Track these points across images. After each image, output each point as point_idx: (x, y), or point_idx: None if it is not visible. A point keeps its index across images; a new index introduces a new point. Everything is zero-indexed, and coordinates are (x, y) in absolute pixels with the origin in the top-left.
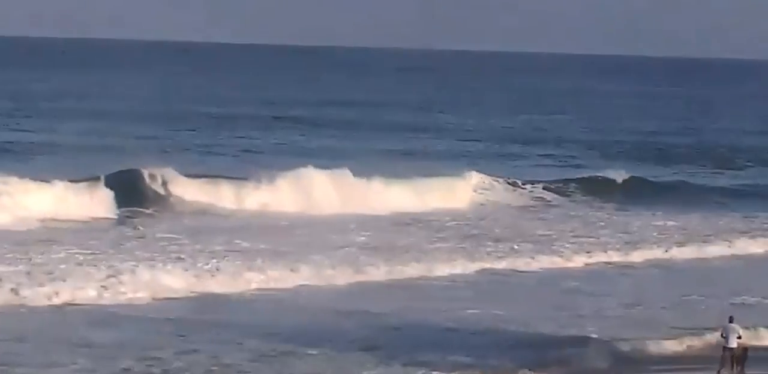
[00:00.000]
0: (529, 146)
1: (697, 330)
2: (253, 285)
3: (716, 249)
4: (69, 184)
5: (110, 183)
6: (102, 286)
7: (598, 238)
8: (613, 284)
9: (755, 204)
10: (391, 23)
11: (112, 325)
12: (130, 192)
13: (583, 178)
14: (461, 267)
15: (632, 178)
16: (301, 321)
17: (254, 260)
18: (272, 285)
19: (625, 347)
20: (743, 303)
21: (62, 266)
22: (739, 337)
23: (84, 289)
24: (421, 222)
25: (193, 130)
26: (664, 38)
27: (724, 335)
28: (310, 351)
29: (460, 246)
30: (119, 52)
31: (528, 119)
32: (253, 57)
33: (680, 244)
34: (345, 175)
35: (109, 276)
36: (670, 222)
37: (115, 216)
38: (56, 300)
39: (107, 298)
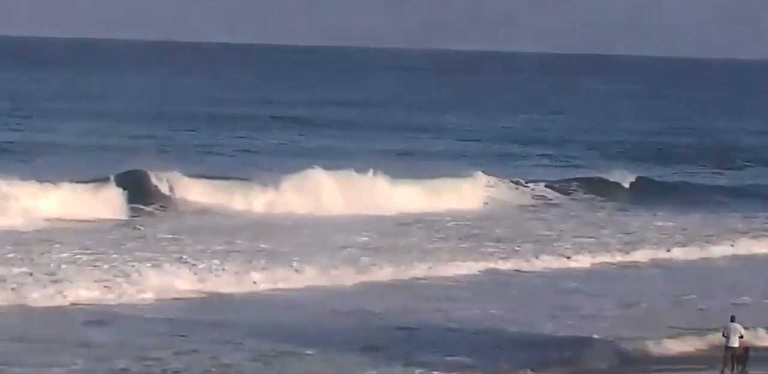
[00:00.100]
0: (529, 146)
1: (699, 330)
2: (253, 286)
3: (717, 250)
4: (75, 184)
5: (117, 184)
6: (105, 287)
7: (600, 238)
8: (614, 284)
9: (755, 204)
10: (391, 23)
11: (112, 325)
12: (136, 193)
13: (587, 179)
14: (465, 267)
15: (636, 178)
16: (301, 321)
17: (255, 261)
18: (272, 285)
19: (626, 347)
20: (744, 304)
21: (64, 266)
22: (741, 337)
23: (85, 290)
24: (425, 222)
25: (193, 131)
26: (664, 38)
27: (725, 334)
28: (309, 352)
29: (462, 246)
30: (119, 52)
31: (528, 119)
32: (253, 57)
33: (681, 244)
34: (351, 176)
35: (110, 277)
36: (671, 223)
37: (120, 217)
38: (57, 301)
39: (108, 298)
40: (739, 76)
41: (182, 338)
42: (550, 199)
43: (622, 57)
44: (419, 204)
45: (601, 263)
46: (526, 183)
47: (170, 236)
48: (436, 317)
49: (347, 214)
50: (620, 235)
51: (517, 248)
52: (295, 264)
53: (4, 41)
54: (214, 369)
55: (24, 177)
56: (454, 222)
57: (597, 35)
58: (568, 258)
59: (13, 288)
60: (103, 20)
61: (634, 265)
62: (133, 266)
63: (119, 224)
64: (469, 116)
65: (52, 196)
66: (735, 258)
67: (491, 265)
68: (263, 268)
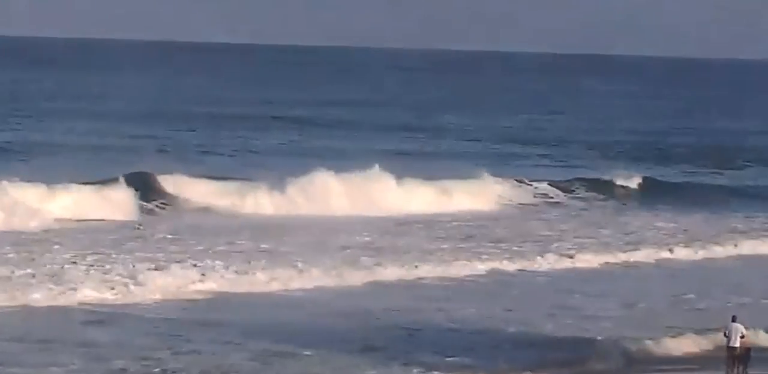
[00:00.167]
0: (529, 146)
1: (700, 331)
2: (254, 286)
3: (718, 250)
4: (84, 186)
5: (126, 185)
6: (110, 287)
7: (602, 238)
8: (615, 284)
9: (756, 204)
10: (391, 23)
11: (112, 325)
12: (143, 194)
13: (588, 179)
14: (468, 267)
15: (637, 178)
16: (301, 321)
17: (256, 261)
18: (273, 286)
19: (628, 347)
20: (745, 304)
21: (67, 266)
22: (743, 337)
23: (88, 290)
24: (433, 223)
25: (193, 130)
26: (664, 38)
27: (727, 335)
28: (308, 352)
29: (460, 246)
30: (119, 52)
31: (528, 119)
32: (253, 57)
33: (682, 244)
34: (358, 177)
35: (114, 277)
36: (672, 223)
37: (130, 219)
38: (59, 301)
39: (110, 299)
40: (739, 76)
41: (182, 338)
42: (554, 199)
43: (622, 57)
44: (429, 206)
45: (602, 263)
46: (530, 182)
47: (174, 237)
48: (437, 317)
49: (354, 215)
50: (621, 235)
51: (519, 248)
52: (296, 264)
53: (4, 41)
54: (212, 370)
55: (29, 178)
56: (457, 223)
57: (597, 35)
58: (571, 257)
59: (14, 288)
60: (103, 20)
61: (635, 265)
62: (134, 266)
63: (126, 225)
64: (469, 116)
65: (62, 198)
66: (736, 258)
67: (494, 265)
68: (264, 268)
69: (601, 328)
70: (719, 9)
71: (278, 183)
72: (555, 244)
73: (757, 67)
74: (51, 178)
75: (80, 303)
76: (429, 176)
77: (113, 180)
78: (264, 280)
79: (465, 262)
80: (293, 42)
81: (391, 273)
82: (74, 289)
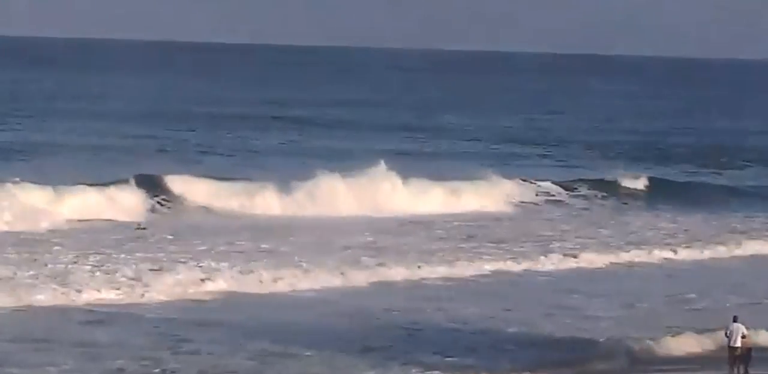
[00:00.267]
0: (529, 146)
1: (702, 330)
2: (254, 287)
3: (718, 250)
4: (89, 187)
5: (130, 186)
6: (111, 288)
7: (603, 239)
8: (616, 284)
9: (756, 204)
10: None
11: (112, 325)
12: (149, 195)
13: (589, 179)
14: (470, 267)
15: (638, 178)
16: (301, 321)
17: (257, 261)
18: (274, 286)
19: (629, 347)
20: (746, 304)
21: (70, 267)
22: (744, 337)
23: (89, 290)
24: (432, 223)
25: (193, 131)
26: (664, 38)
27: (728, 335)
28: (308, 352)
29: (461, 246)
30: (119, 52)
31: (528, 119)
32: (253, 57)
33: (683, 244)
34: (364, 178)
35: (116, 278)
36: (673, 223)
37: (131, 220)
38: (60, 301)
39: (112, 299)
40: (739, 76)
41: (182, 338)
42: (559, 199)
43: (622, 57)
44: (435, 206)
45: (604, 263)
46: (534, 181)
47: (177, 237)
48: (437, 317)
49: (360, 216)
50: (623, 235)
51: (522, 248)
52: (298, 264)
53: (4, 41)
54: (211, 370)
55: (33, 179)
56: (460, 223)
57: (597, 35)
58: (574, 257)
59: (18, 289)
60: (103, 20)
61: (636, 265)
62: (137, 266)
63: (123, 226)
64: (469, 116)
65: (70, 200)
66: (736, 258)
67: (498, 265)
68: (266, 269)
69: (603, 328)
70: (719, 9)
71: (284, 183)
72: (557, 244)
73: (757, 67)
74: (55, 179)
75: (81, 304)
76: (432, 176)
77: (121, 181)
78: (266, 281)
79: (468, 262)
80: (293, 42)
81: (394, 273)
82: (77, 290)
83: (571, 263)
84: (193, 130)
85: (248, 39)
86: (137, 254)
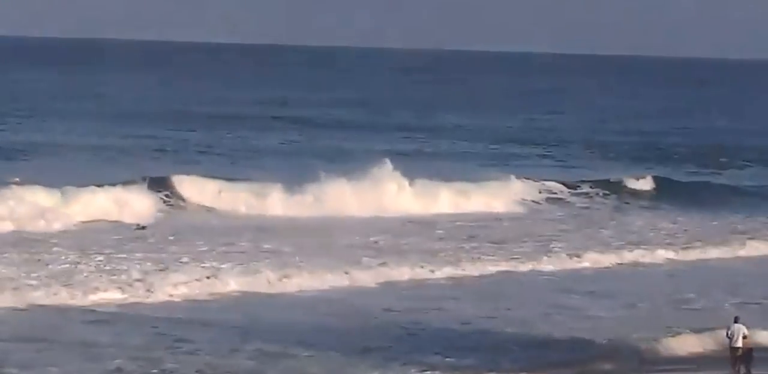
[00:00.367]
0: (529, 146)
1: (702, 331)
2: (257, 287)
3: (719, 250)
4: (97, 188)
5: (137, 187)
6: (114, 288)
7: (604, 239)
8: (618, 284)
9: (756, 204)
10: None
11: (111, 325)
12: (149, 195)
13: (590, 179)
14: (473, 268)
15: (639, 179)
16: (301, 321)
17: (259, 262)
18: (275, 287)
19: (630, 347)
20: (747, 304)
21: (72, 268)
22: (745, 337)
23: (92, 291)
24: (437, 223)
25: (193, 131)
26: (665, 38)
27: (729, 335)
28: (308, 352)
29: (468, 246)
30: (119, 52)
31: (528, 119)
32: (253, 57)
33: (684, 244)
34: (370, 179)
35: (119, 278)
36: (673, 223)
37: (130, 220)
38: (61, 301)
39: (114, 300)
40: (739, 76)
41: (181, 338)
42: (564, 200)
43: (622, 57)
44: (440, 206)
45: (605, 263)
46: (537, 181)
47: (180, 238)
48: (437, 317)
49: (365, 216)
50: (623, 235)
51: (524, 248)
52: (300, 265)
53: (4, 41)
54: (209, 370)
55: (36, 180)
56: (463, 223)
57: (597, 35)
58: (576, 257)
59: (17, 289)
60: (103, 20)
61: (638, 265)
62: (140, 266)
63: (124, 226)
64: (469, 116)
65: (75, 201)
66: (737, 258)
67: (500, 266)
68: (267, 269)
69: (604, 328)
70: (720, 9)
71: (288, 184)
72: (559, 244)
73: (758, 67)
74: (56, 179)
75: (82, 304)
76: (437, 176)
77: (126, 182)
78: (267, 281)
79: (472, 263)
80: (293, 42)
81: (396, 273)
82: (78, 290)
83: (574, 263)
84: (194, 130)
85: (248, 39)
86: (140, 254)
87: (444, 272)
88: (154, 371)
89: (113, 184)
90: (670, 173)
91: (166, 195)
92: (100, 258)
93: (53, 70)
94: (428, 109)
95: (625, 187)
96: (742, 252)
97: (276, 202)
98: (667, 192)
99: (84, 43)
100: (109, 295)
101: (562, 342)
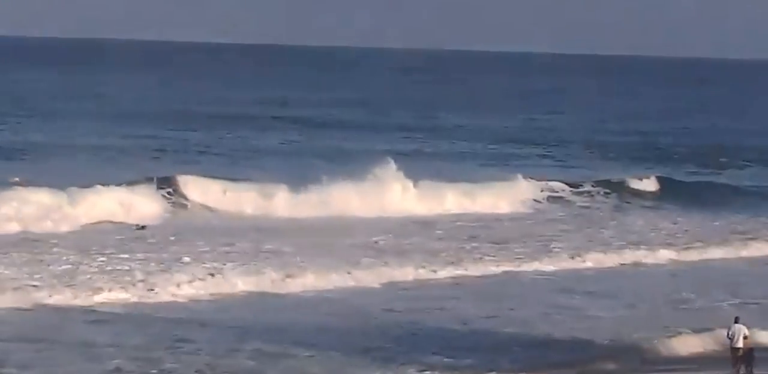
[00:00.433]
0: (528, 146)
1: (704, 331)
2: (258, 287)
3: (719, 250)
4: (96, 188)
5: (134, 187)
6: (116, 289)
7: (604, 239)
8: (618, 285)
9: (756, 204)
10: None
11: (111, 325)
12: (152, 196)
13: (591, 179)
14: (475, 268)
15: (640, 179)
16: (301, 321)
17: (260, 262)
18: (276, 287)
19: (631, 348)
20: (747, 304)
21: (74, 268)
22: (746, 337)
23: (90, 290)
24: (439, 224)
25: (194, 131)
26: (665, 38)
27: (730, 336)
28: (308, 352)
29: (469, 247)
30: (119, 52)
31: (528, 119)
32: (253, 57)
33: (685, 245)
34: (375, 179)
35: (121, 278)
36: (674, 223)
37: (134, 220)
38: (62, 302)
39: (116, 300)
40: (739, 76)
41: (181, 338)
42: (568, 200)
43: (622, 57)
44: (444, 207)
45: (605, 263)
46: (540, 180)
47: (183, 238)
48: (437, 317)
49: (369, 217)
50: (625, 236)
51: (525, 248)
52: (300, 265)
53: (4, 41)
54: (208, 370)
55: (37, 181)
56: (464, 223)
57: (597, 35)
58: (575, 258)
59: (19, 289)
60: (103, 20)
61: (636, 266)
62: (142, 266)
63: (125, 227)
64: (469, 116)
65: (77, 201)
66: (737, 258)
67: (502, 266)
68: (267, 270)
69: (605, 329)
70: (720, 9)
71: (292, 185)
72: (560, 244)
73: (758, 67)
74: (58, 180)
75: (83, 304)
76: (440, 177)
77: (130, 183)
78: (268, 281)
79: (473, 263)
80: (293, 42)
81: (398, 274)
82: (79, 290)
83: (575, 263)
84: (194, 130)
85: (248, 39)
86: (142, 254)
87: (445, 272)
88: (154, 371)
89: (117, 185)
90: (670, 173)
91: (170, 195)
92: (103, 258)
93: (53, 70)
94: (428, 109)
95: (629, 187)
96: (743, 253)
97: (281, 203)
98: (670, 192)
99: (84, 43)
100: (111, 295)
101: (563, 342)
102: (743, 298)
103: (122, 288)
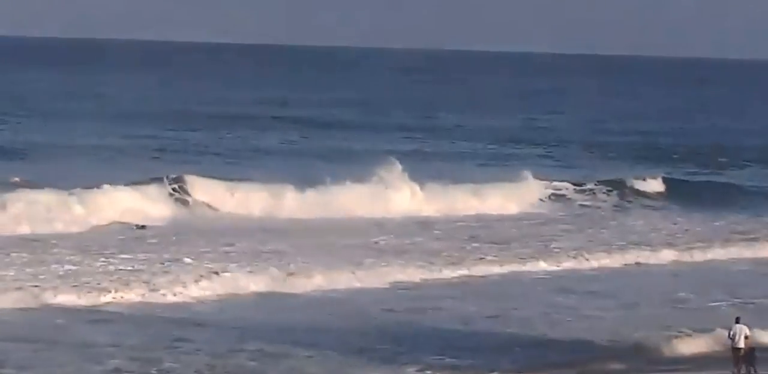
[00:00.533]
0: (528, 146)
1: (705, 331)
2: (254, 287)
3: (719, 250)
4: (98, 189)
5: (137, 188)
6: (117, 289)
7: (604, 239)
8: (619, 285)
9: (756, 204)
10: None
11: (111, 325)
12: (155, 196)
13: (591, 179)
14: (476, 268)
15: (641, 179)
16: (301, 322)
17: (261, 262)
18: (276, 287)
19: (630, 348)
20: (748, 304)
21: (75, 268)
22: (747, 337)
23: (90, 290)
24: (441, 224)
25: (194, 131)
26: (665, 38)
27: (731, 336)
28: (308, 352)
29: (463, 247)
30: (119, 52)
31: (528, 119)
32: (254, 57)
33: (686, 245)
34: (379, 180)
35: (123, 278)
36: (674, 224)
37: (136, 221)
38: (61, 301)
39: (112, 299)
40: (739, 76)
41: (181, 338)
42: (572, 200)
43: (622, 57)
44: (447, 207)
45: (605, 264)
46: (543, 180)
47: (184, 238)
48: (437, 317)
49: (372, 217)
50: (625, 236)
51: (526, 249)
52: (300, 265)
53: (4, 41)
54: (208, 370)
55: (38, 182)
56: (465, 224)
57: (598, 35)
58: (576, 258)
59: (20, 289)
60: (103, 20)
61: (636, 266)
62: (143, 266)
63: (126, 227)
64: (469, 116)
65: (80, 202)
66: (738, 258)
67: (502, 266)
68: (268, 270)
69: (605, 329)
70: (720, 9)
71: (297, 185)
72: (561, 244)
73: (758, 67)
74: (59, 180)
75: (86, 304)
76: (443, 178)
77: (133, 183)
78: (269, 281)
79: (474, 263)
80: (293, 42)
81: (398, 274)
82: (80, 290)
83: (575, 263)
84: (194, 130)
85: (248, 39)
86: (143, 254)
87: (447, 272)
88: (153, 371)
89: (122, 185)
90: (670, 173)
91: (177, 193)
92: (104, 258)
93: (53, 70)
94: (428, 109)
95: (633, 187)
96: (743, 252)
97: (287, 204)
98: (672, 192)
99: (84, 43)
100: (113, 296)
101: (564, 342)
102: (744, 298)
103: (125, 288)
